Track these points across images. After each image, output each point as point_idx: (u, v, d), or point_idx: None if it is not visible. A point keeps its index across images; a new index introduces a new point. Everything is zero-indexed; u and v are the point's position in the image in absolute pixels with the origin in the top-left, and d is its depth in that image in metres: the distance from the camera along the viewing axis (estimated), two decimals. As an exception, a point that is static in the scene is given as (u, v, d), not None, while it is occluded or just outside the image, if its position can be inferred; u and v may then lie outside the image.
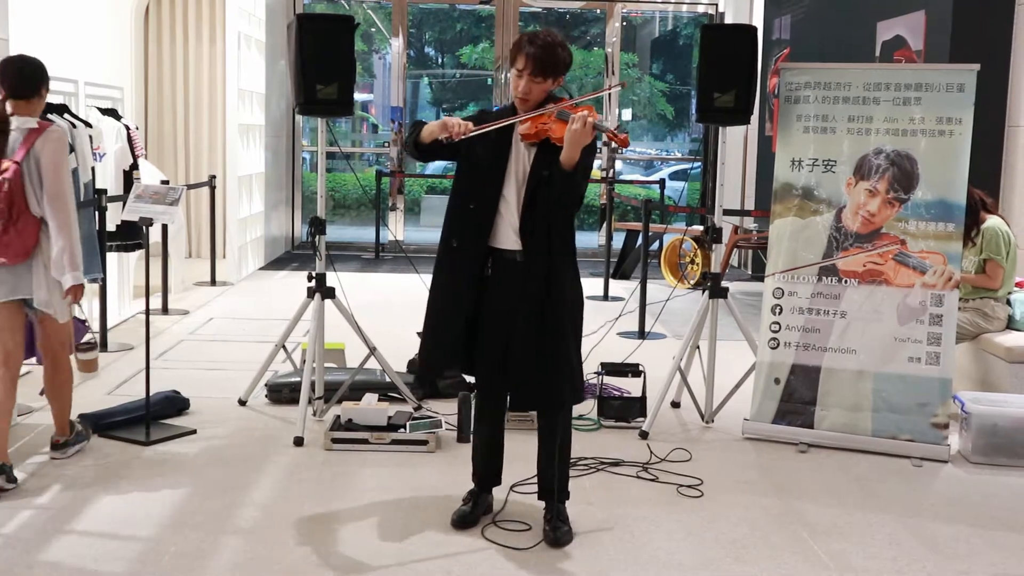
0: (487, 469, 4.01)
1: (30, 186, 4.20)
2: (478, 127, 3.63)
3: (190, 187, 8.97)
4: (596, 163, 12.89)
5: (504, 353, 3.73)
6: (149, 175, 8.19)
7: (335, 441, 4.78)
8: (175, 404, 5.30)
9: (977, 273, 5.59)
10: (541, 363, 3.69)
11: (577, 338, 3.80)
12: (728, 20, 11.99)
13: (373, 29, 18.33)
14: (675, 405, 5.67)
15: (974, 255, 5.57)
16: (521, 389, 3.77)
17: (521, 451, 4.31)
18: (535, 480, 3.96)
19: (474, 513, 3.94)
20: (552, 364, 3.70)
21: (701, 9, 13.23)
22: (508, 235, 3.70)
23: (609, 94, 12.39)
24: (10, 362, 4.31)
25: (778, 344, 5.16)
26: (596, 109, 3.70)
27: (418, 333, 5.93)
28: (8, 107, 4.25)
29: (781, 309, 5.16)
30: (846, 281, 5.06)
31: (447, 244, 3.80)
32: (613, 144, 3.62)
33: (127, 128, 7.52)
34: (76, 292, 4.29)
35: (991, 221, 5.58)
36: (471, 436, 4.12)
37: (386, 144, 12.95)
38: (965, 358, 5.70)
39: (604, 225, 10.66)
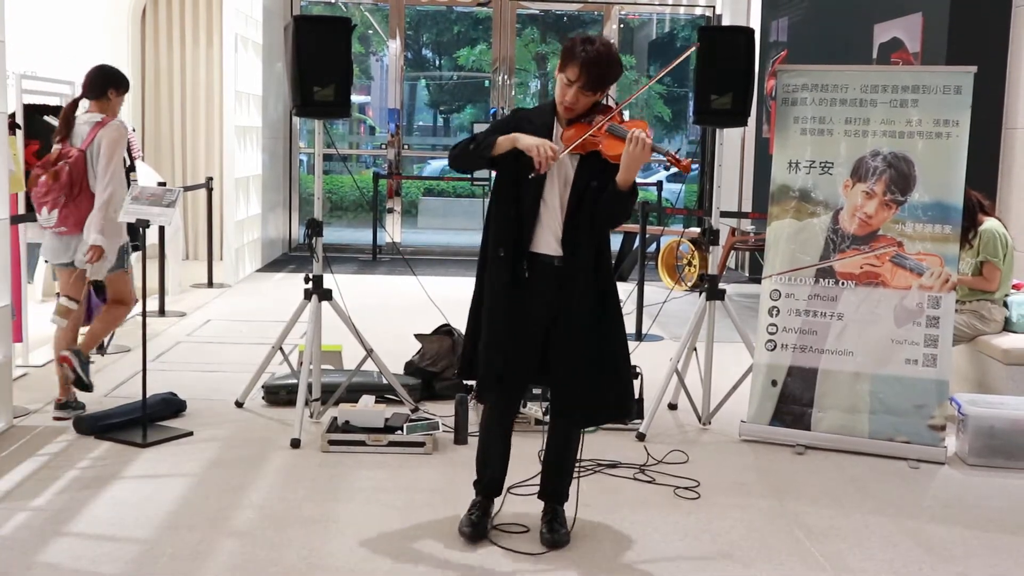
0: (497, 475, 3.89)
1: (91, 169, 5.09)
2: (563, 149, 3.53)
3: (187, 189, 8.97)
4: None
5: (544, 361, 3.68)
6: (146, 177, 8.19)
7: (332, 443, 4.78)
8: (172, 406, 5.29)
9: (974, 275, 5.59)
10: (594, 375, 3.66)
11: (627, 351, 3.78)
12: (725, 22, 11.99)
13: (370, 31, 18.32)
14: (672, 407, 5.67)
15: (971, 257, 5.57)
16: (572, 400, 3.70)
17: (517, 451, 4.31)
18: (531, 481, 3.95)
19: (483, 522, 3.83)
20: (606, 376, 3.68)
21: (698, 11, 13.23)
22: (548, 241, 3.63)
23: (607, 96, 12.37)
24: (70, 315, 5.24)
25: (775, 346, 5.16)
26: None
27: (416, 336, 5.97)
28: (86, 105, 5.28)
29: (778, 311, 5.17)
30: (843, 283, 5.06)
31: (494, 254, 3.68)
32: (674, 169, 3.57)
33: (124, 130, 7.50)
34: (95, 252, 4.98)
35: (988, 223, 5.58)
36: (478, 441, 3.96)
37: (383, 146, 12.94)
38: (962, 360, 5.71)
39: (601, 227, 10.63)
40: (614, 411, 3.87)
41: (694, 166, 14.01)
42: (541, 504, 3.90)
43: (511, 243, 3.64)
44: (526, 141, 3.51)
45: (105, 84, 5.29)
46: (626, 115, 3.86)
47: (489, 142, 3.59)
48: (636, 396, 5.37)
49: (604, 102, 3.70)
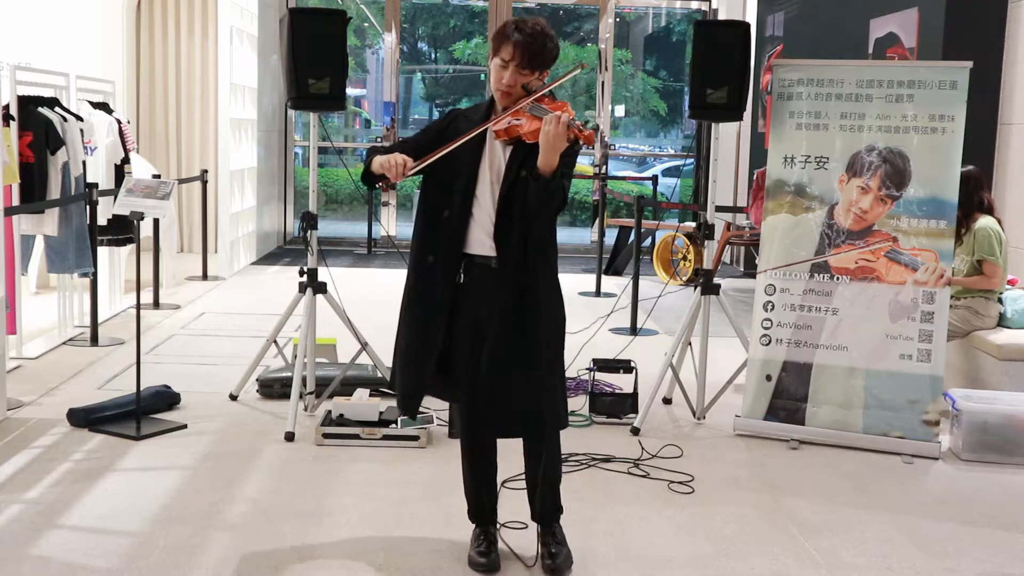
0: (484, 502, 3.63)
1: None
2: (419, 161, 3.28)
3: (182, 181, 8.96)
4: (588, 159, 12.94)
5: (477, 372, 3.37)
6: (141, 169, 8.17)
7: (326, 436, 4.77)
8: (166, 399, 5.28)
9: (970, 274, 5.59)
10: (518, 384, 3.35)
11: (558, 356, 3.47)
12: (721, 16, 11.98)
13: (366, 24, 18.28)
14: (667, 401, 5.67)
15: (966, 254, 5.57)
16: (496, 413, 3.39)
17: (513, 445, 4.30)
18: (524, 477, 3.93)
19: (493, 552, 3.56)
20: (530, 386, 3.36)
21: (694, 5, 13.22)
22: (481, 240, 3.36)
23: (602, 89, 12.38)
24: None
25: (770, 341, 5.16)
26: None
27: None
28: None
29: (773, 306, 5.17)
30: (838, 278, 5.06)
31: (422, 260, 3.43)
32: (580, 142, 3.37)
33: (118, 122, 7.49)
34: None
35: (983, 221, 5.58)
36: (461, 468, 3.66)
37: (378, 139, 12.92)
38: (956, 355, 5.71)
39: (596, 221, 10.66)
40: (535, 422, 3.46)
41: (688, 161, 14.03)
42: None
43: (443, 246, 3.38)
44: (377, 161, 3.28)
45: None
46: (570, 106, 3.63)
47: (367, 162, 3.38)
48: (631, 390, 5.38)
49: (541, 92, 3.37)
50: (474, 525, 3.65)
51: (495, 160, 3.39)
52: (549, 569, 3.53)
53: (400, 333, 3.52)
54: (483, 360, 3.35)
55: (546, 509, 3.60)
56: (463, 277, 3.39)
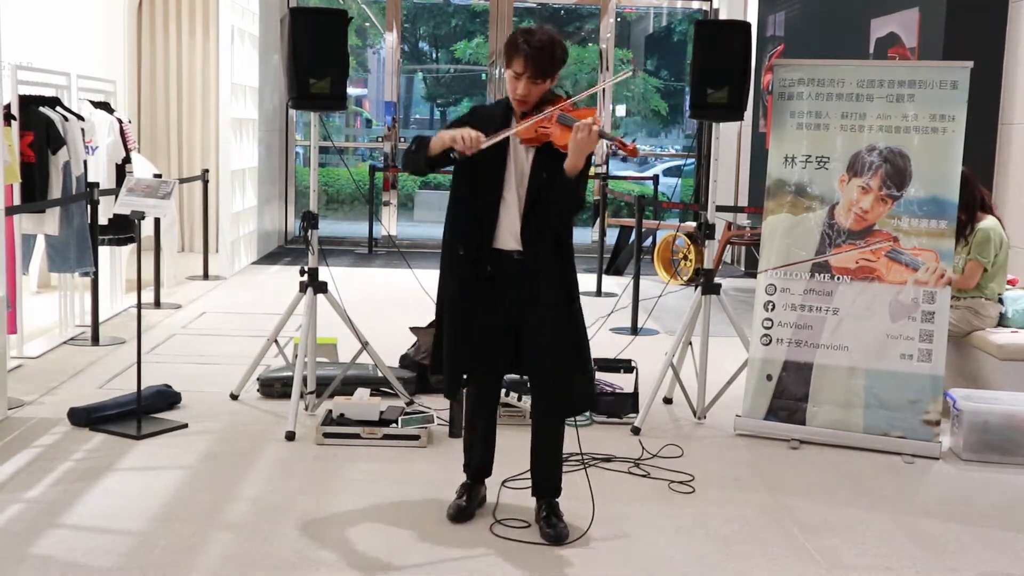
0: (483, 461, 3.99)
1: None
2: (489, 138, 3.57)
3: (183, 181, 8.98)
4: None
5: (517, 354, 3.77)
6: (142, 169, 8.18)
7: (327, 436, 4.78)
8: (166, 398, 5.28)
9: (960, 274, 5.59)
10: (565, 367, 3.72)
11: (588, 342, 3.84)
12: (722, 16, 11.98)
13: (367, 24, 18.28)
14: (667, 401, 5.67)
15: (967, 254, 5.57)
16: (549, 393, 3.77)
17: (512, 445, 4.31)
18: (527, 474, 3.95)
19: (470, 506, 3.94)
20: (576, 368, 3.75)
21: (695, 5, 13.22)
22: (507, 239, 3.69)
23: (604, 89, 12.37)
24: None
25: (770, 340, 5.16)
26: (590, 104, 3.70)
27: (412, 329, 5.96)
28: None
29: (774, 305, 5.17)
30: (839, 278, 5.06)
31: (453, 252, 3.76)
32: (622, 154, 3.63)
33: (119, 122, 7.50)
34: None
35: (987, 222, 5.59)
36: (463, 430, 4.10)
37: (379, 139, 12.92)
38: (956, 355, 5.71)
39: (597, 221, 10.66)
40: (583, 401, 4.01)
41: (689, 161, 14.04)
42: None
43: (473, 241, 3.70)
44: (448, 134, 3.58)
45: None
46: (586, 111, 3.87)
47: (425, 143, 3.65)
48: (631, 390, 5.38)
49: (557, 95, 3.74)
50: (466, 477, 4.00)
51: (519, 164, 3.68)
52: (550, 537, 3.74)
53: (448, 321, 3.84)
54: (534, 346, 3.71)
55: (549, 483, 3.87)
56: (489, 267, 3.71)
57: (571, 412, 3.92)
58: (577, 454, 4.68)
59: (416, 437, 4.79)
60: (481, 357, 3.80)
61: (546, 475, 3.88)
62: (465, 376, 3.87)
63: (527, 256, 3.68)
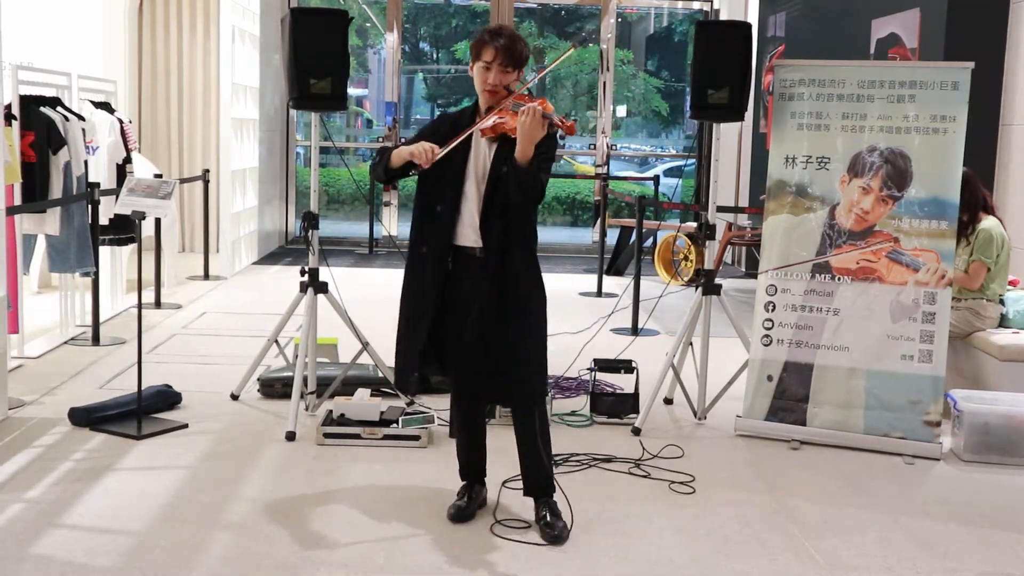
0: (473, 462, 4.02)
1: None
2: (445, 146, 3.62)
3: (183, 181, 8.97)
4: (590, 159, 12.94)
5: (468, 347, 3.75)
6: (142, 169, 8.18)
7: (327, 436, 4.77)
8: (167, 398, 5.28)
9: (963, 273, 5.59)
10: (504, 357, 3.70)
11: (539, 333, 3.80)
12: (723, 17, 11.98)
13: (368, 24, 18.28)
14: (668, 402, 5.67)
15: (967, 254, 5.57)
16: (483, 379, 3.77)
17: (512, 446, 4.30)
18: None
19: (471, 507, 3.95)
20: (515, 358, 3.71)
21: (696, 5, 13.22)
22: (468, 233, 3.72)
23: (604, 90, 12.37)
24: None
25: (771, 341, 5.16)
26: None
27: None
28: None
29: (774, 306, 5.17)
30: (839, 278, 5.06)
31: (417, 250, 3.80)
32: (561, 132, 3.64)
33: (120, 122, 7.50)
34: None
35: (987, 222, 5.58)
36: (454, 431, 4.12)
37: (380, 139, 12.92)
38: (957, 356, 5.70)
39: (598, 221, 10.66)
40: (517, 394, 3.84)
41: (690, 162, 14.02)
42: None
43: (434, 237, 3.74)
44: (406, 149, 3.65)
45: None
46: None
47: (388, 155, 3.72)
48: (632, 391, 5.38)
49: (520, 92, 3.76)
50: (463, 481, 4.03)
51: (480, 159, 3.72)
52: (551, 539, 3.73)
53: (399, 318, 3.87)
54: (468, 329, 3.69)
55: (540, 481, 3.86)
56: (452, 265, 3.75)
57: (527, 405, 3.83)
58: (578, 454, 4.69)
59: (416, 437, 4.79)
60: (433, 352, 3.81)
61: (528, 472, 3.89)
62: (416, 373, 3.89)
63: (487, 251, 3.69)
